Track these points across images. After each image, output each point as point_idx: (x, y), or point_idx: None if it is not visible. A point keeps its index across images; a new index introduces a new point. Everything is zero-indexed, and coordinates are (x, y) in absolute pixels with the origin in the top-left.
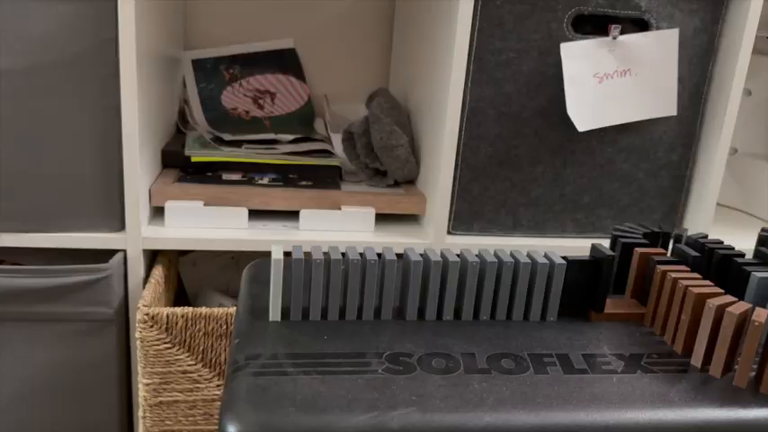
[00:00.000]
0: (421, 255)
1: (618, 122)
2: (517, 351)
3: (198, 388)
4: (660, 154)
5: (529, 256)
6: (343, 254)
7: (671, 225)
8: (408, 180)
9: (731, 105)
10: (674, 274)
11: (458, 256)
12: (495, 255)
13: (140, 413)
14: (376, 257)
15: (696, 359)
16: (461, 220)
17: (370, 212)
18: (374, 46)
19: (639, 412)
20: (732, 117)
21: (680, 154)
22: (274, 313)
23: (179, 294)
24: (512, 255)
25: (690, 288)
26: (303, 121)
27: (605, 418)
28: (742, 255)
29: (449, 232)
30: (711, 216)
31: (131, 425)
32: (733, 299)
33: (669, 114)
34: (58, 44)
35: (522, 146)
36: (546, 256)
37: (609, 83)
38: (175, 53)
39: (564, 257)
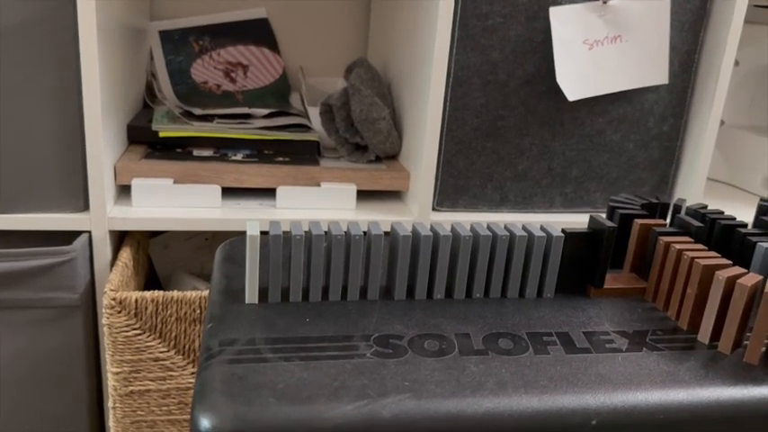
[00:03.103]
0: (410, 230)
1: (609, 91)
2: (514, 330)
3: (171, 376)
4: (651, 124)
5: (525, 228)
6: (325, 232)
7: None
8: (390, 155)
9: (723, 73)
10: (678, 246)
11: (449, 230)
12: (489, 228)
13: (110, 404)
14: (361, 233)
15: (704, 335)
16: (446, 196)
17: (351, 189)
18: (352, 14)
19: (649, 392)
20: (724, 85)
21: (671, 124)
22: (251, 295)
23: (150, 279)
24: (506, 228)
25: (696, 260)
26: (278, 95)
27: (613, 399)
28: (744, 225)
29: (433, 209)
30: (702, 188)
31: (102, 416)
32: (743, 270)
33: (661, 83)
34: (11, 8)
35: (509, 117)
36: (542, 228)
37: (599, 50)
38: (141, 24)
39: (562, 230)
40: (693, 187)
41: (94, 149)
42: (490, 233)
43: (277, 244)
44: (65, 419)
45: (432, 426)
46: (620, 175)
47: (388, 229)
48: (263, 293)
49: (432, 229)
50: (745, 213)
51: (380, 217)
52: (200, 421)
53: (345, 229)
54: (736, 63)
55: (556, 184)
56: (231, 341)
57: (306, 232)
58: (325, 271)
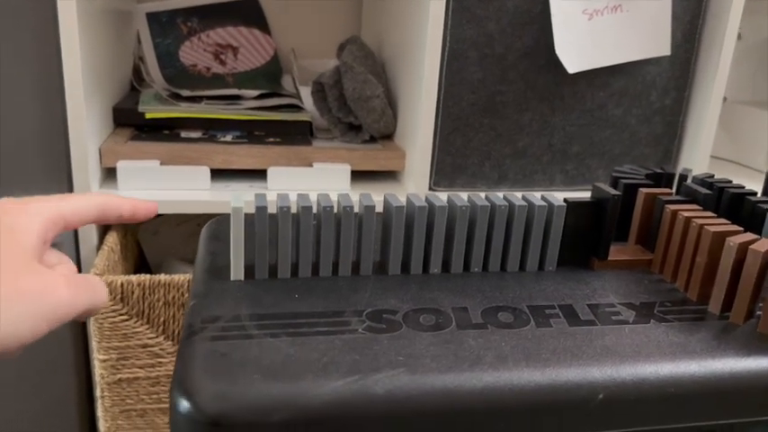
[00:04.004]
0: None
1: (609, 63)
2: (515, 303)
3: (160, 363)
4: (653, 98)
5: (525, 198)
6: (315, 212)
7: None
8: (385, 134)
9: (726, 42)
10: (686, 213)
11: (445, 201)
12: (487, 198)
13: (98, 392)
14: (352, 205)
15: (714, 305)
16: (443, 175)
17: (345, 169)
18: None
19: (659, 364)
20: (728, 55)
21: (673, 98)
22: (236, 271)
23: (140, 266)
24: (505, 198)
25: (705, 227)
26: (269, 78)
27: (621, 372)
28: (754, 193)
29: (430, 188)
30: (706, 164)
31: (92, 405)
32: (754, 236)
33: (663, 54)
34: None
35: (507, 91)
36: (543, 198)
37: (599, 20)
38: (127, 6)
39: (564, 200)
40: (697, 163)
41: (78, 132)
42: (488, 203)
43: (263, 217)
44: (53, 409)
45: (427, 401)
46: (623, 152)
47: (382, 205)
48: (249, 270)
49: (427, 200)
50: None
51: (376, 198)
52: (180, 401)
53: (335, 202)
54: (739, 37)
55: (556, 161)
56: (214, 318)
57: (297, 211)
58: (314, 245)
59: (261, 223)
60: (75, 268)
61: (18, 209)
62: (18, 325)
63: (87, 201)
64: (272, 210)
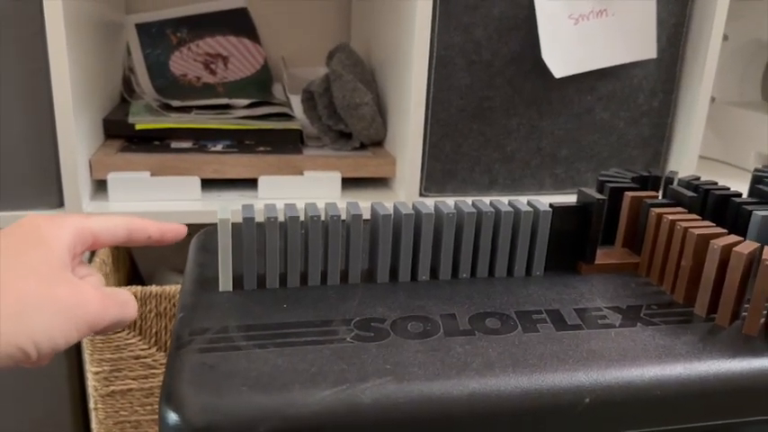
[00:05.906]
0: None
1: (596, 67)
2: (502, 309)
3: (153, 374)
4: (641, 101)
5: (511, 204)
6: (302, 221)
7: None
8: (375, 141)
9: (712, 45)
10: (671, 217)
11: (432, 208)
12: (474, 205)
13: (92, 404)
14: (339, 214)
15: (700, 308)
16: (434, 181)
17: (336, 176)
18: (333, 1)
19: (644, 368)
20: (714, 57)
21: (660, 100)
22: (225, 282)
23: (133, 276)
24: (491, 204)
25: (690, 230)
26: (260, 87)
27: (607, 376)
28: (739, 195)
29: (421, 194)
30: (695, 164)
31: (87, 417)
32: (738, 238)
33: (649, 57)
34: None
35: (495, 97)
36: (529, 203)
37: (585, 24)
38: (116, 17)
39: (550, 204)
40: (686, 164)
41: (67, 144)
42: (474, 210)
43: (250, 227)
44: (47, 422)
45: (414, 409)
46: (611, 154)
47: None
48: (237, 281)
49: (414, 207)
50: (739, 189)
51: (367, 205)
52: (168, 414)
53: (323, 210)
54: (726, 38)
55: (545, 165)
56: (203, 330)
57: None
58: (302, 255)
59: (248, 234)
60: (103, 282)
61: (48, 222)
62: (53, 331)
63: (115, 220)
64: (259, 219)
